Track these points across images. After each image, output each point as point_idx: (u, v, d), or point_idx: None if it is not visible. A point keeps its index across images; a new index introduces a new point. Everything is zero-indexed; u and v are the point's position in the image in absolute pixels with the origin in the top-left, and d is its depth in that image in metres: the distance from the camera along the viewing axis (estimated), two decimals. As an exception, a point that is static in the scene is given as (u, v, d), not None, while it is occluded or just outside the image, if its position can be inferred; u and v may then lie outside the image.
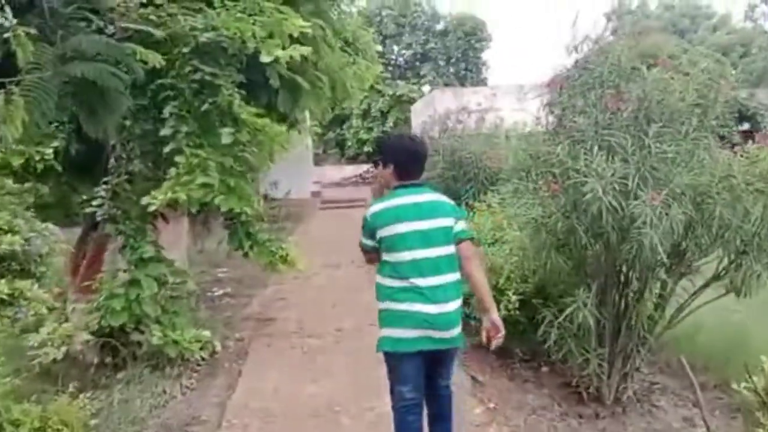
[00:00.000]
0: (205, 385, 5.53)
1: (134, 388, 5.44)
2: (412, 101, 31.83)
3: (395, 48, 38.72)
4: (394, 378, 3.38)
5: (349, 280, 9.42)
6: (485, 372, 5.52)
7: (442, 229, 3.27)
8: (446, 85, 31.74)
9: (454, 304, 3.28)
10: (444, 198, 3.46)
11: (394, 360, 3.33)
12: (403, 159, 3.40)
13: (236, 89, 5.54)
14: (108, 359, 5.96)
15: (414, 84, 35.30)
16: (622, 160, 4.12)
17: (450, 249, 3.28)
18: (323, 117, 20.64)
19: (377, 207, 3.35)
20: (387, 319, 3.31)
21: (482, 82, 34.09)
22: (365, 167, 32.26)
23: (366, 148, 33.18)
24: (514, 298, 5.44)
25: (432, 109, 22.70)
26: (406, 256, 3.23)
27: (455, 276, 3.30)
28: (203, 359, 6.20)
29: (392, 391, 3.41)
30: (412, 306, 3.20)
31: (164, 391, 5.36)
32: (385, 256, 3.32)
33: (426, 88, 32.10)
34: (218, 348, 6.40)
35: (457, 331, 3.32)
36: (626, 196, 4.04)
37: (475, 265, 3.38)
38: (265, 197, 21.53)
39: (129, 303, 5.32)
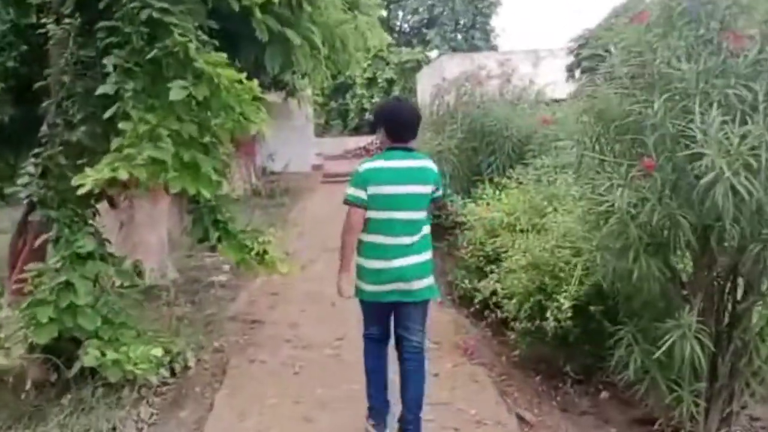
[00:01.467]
0: (167, 419, 4.29)
1: (77, 421, 4.22)
2: (419, 68, 30.31)
3: (400, 14, 36.98)
4: (365, 320, 3.74)
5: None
6: (531, 403, 4.25)
7: (423, 195, 3.50)
8: (454, 50, 30.14)
9: (420, 257, 3.49)
10: (431, 164, 3.60)
11: (364, 306, 3.68)
12: (393, 122, 3.55)
13: (212, 40, 4.27)
14: (54, 377, 4.76)
15: (419, 51, 33.67)
16: (742, 123, 2.83)
17: (423, 213, 3.54)
18: (322, 83, 19.34)
19: (372, 164, 3.50)
20: (360, 272, 3.56)
21: (492, 49, 32.38)
22: (369, 139, 30.82)
23: (369, 116, 31.76)
24: (566, 304, 4.17)
25: (440, 77, 21.25)
26: (385, 215, 3.43)
27: (423, 233, 3.52)
28: (174, 374, 4.99)
29: (364, 328, 3.77)
30: (379, 263, 3.45)
31: (113, 429, 4.13)
32: (367, 213, 3.46)
33: (433, 54, 30.44)
34: (191, 362, 5.17)
35: (423, 283, 3.52)
36: (754, 175, 2.75)
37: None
38: (264, 170, 20.28)
39: (59, 313, 4.05)
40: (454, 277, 6.47)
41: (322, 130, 33.34)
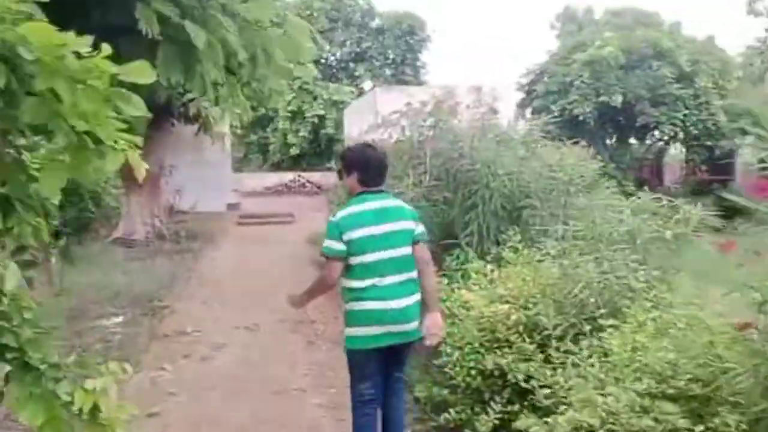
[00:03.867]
0: None
1: None
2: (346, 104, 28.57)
3: (327, 47, 35.24)
4: (355, 376, 3.52)
5: (276, 355, 5.99)
6: None
7: (404, 232, 3.53)
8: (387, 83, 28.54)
9: (413, 299, 3.50)
10: (403, 203, 3.73)
11: (358, 357, 3.49)
12: (366, 168, 3.57)
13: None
14: None
15: (349, 85, 31.98)
16: None
17: (409, 249, 3.52)
18: (244, 114, 17.21)
19: (345, 212, 3.52)
20: (353, 318, 3.48)
21: (421, 85, 31.09)
22: (291, 175, 28.63)
23: (293, 152, 29.61)
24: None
25: (372, 111, 19.51)
26: (372, 257, 3.43)
27: (414, 274, 3.52)
28: None
29: (352, 388, 3.55)
30: (376, 304, 3.41)
31: None
32: (351, 260, 3.44)
33: (367, 85, 28.70)
34: None
35: (416, 324, 3.50)
36: None
37: (429, 267, 3.62)
38: (171, 210, 17.73)
39: None
40: (427, 394, 4.33)
41: (240, 164, 30.91)
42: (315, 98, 30.21)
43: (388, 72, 33.67)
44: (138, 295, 8.59)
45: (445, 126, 6.20)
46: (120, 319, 7.44)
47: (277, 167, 30.62)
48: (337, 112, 30.40)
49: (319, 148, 30.26)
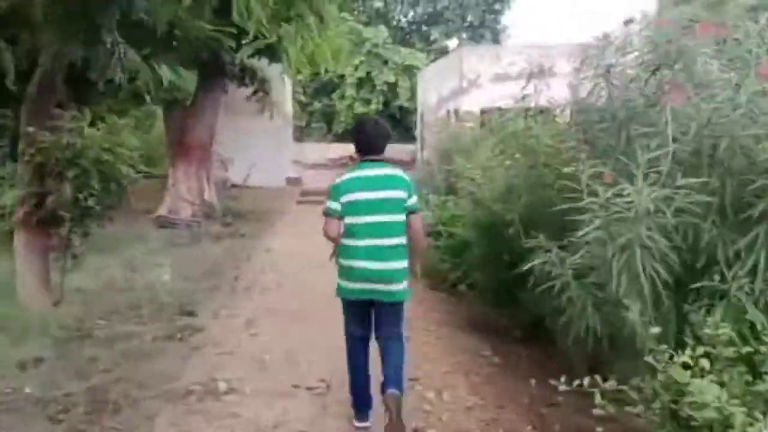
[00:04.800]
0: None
1: None
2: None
3: (398, 7, 32.48)
4: (346, 318, 3.93)
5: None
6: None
7: (396, 200, 3.76)
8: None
9: (398, 264, 3.74)
10: (400, 173, 3.88)
11: (346, 304, 3.90)
12: (361, 138, 3.91)
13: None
14: None
15: (420, 50, 29.19)
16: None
17: (399, 217, 3.76)
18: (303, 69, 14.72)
19: (344, 177, 3.84)
20: (341, 272, 3.82)
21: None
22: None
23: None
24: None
25: (458, 75, 16.78)
26: (364, 219, 3.71)
27: (401, 240, 3.76)
28: None
29: (345, 328, 3.95)
30: (361, 263, 3.70)
31: None
32: (346, 220, 3.74)
33: (452, 43, 25.75)
34: None
35: (398, 287, 3.74)
36: None
37: (419, 235, 3.91)
38: (224, 183, 15.57)
39: None
40: None
41: (301, 134, 28.68)
42: (385, 63, 27.61)
43: (465, 36, 30.67)
44: (162, 306, 6.35)
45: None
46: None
47: (341, 138, 28.28)
48: (410, 78, 27.74)
49: (391, 119, 27.72)
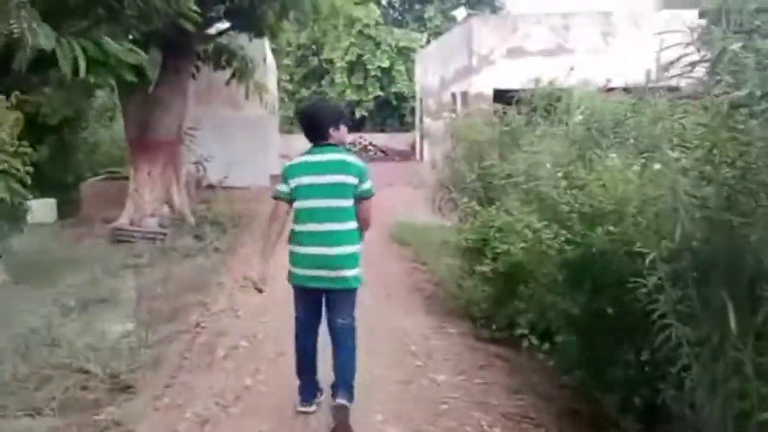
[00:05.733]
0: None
1: None
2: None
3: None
4: (295, 305, 3.91)
5: None
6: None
7: (344, 185, 3.67)
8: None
9: (343, 249, 3.66)
10: (351, 158, 3.80)
11: (296, 291, 3.86)
12: (305, 125, 3.86)
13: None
14: None
15: (414, 30, 27.04)
16: None
17: (347, 202, 3.68)
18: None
19: (292, 161, 3.86)
20: (291, 258, 3.78)
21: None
22: (351, 137, 24.10)
23: (357, 113, 24.94)
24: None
25: (467, 52, 14.66)
26: (309, 203, 3.67)
27: (349, 225, 3.69)
28: None
29: (295, 312, 3.92)
30: (306, 249, 3.67)
31: None
32: (294, 204, 3.72)
33: (460, 13, 23.51)
34: None
35: (346, 273, 3.67)
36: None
37: (369, 218, 3.83)
38: (198, 183, 13.48)
39: None
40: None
41: (291, 125, 26.55)
42: (378, 45, 25.46)
43: (464, 13, 28.46)
44: (84, 379, 4.30)
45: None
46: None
47: (334, 128, 26.20)
48: (406, 62, 25.61)
49: (387, 105, 25.65)
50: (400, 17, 29.65)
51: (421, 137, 21.33)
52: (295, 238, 3.71)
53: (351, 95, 25.21)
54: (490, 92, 13.47)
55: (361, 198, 3.71)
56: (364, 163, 3.81)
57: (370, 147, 23.59)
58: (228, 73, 11.96)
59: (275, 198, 3.77)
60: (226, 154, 13.71)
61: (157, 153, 10.78)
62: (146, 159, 10.76)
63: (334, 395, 3.68)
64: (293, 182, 3.68)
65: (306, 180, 3.66)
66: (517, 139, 6.03)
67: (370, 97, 25.47)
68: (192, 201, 11.77)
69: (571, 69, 6.62)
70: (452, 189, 6.19)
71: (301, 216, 3.67)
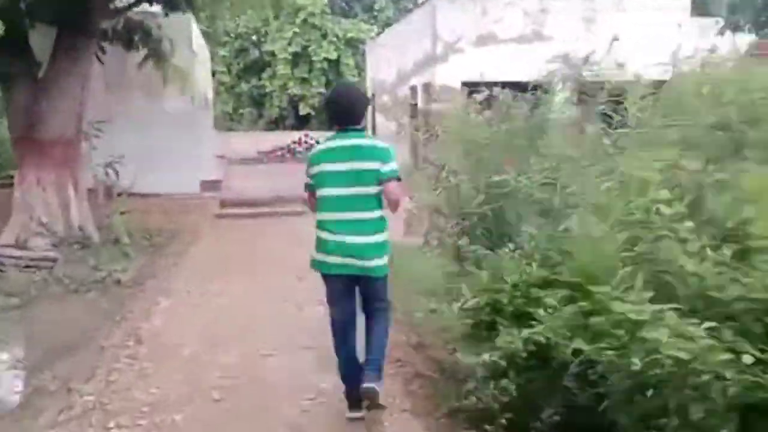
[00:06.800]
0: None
1: None
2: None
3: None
4: (327, 298, 3.72)
5: None
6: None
7: (365, 171, 3.52)
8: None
9: (369, 238, 3.54)
10: (375, 142, 3.67)
11: (323, 279, 3.68)
12: (329, 108, 3.71)
13: None
14: None
15: (364, 22, 25.11)
16: None
17: (369, 189, 3.53)
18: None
19: (316, 148, 3.75)
20: (316, 244, 3.63)
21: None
22: (297, 135, 21.85)
23: (301, 109, 22.83)
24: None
25: (431, 37, 12.77)
26: (333, 191, 3.55)
27: (372, 214, 3.56)
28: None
29: (327, 305, 3.75)
30: (331, 236, 3.54)
31: None
32: (318, 192, 3.62)
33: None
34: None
35: (373, 262, 3.54)
36: None
37: (394, 200, 3.59)
38: (108, 191, 11.14)
39: None
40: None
41: (231, 122, 24.24)
42: (324, 36, 23.39)
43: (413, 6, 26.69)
44: None
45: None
46: None
47: (275, 125, 23.96)
48: (355, 55, 23.63)
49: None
50: (347, 7, 27.63)
51: (374, 136, 19.47)
52: (318, 225, 3.63)
53: (294, 89, 23.08)
54: (457, 84, 11.64)
55: (385, 180, 3.53)
56: (389, 145, 3.66)
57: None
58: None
59: (306, 190, 3.73)
60: (144, 155, 11.45)
61: (49, 154, 8.50)
62: (34, 162, 8.48)
63: (362, 377, 3.53)
64: (315, 169, 3.62)
65: (325, 167, 3.58)
66: (537, 139, 4.16)
67: (315, 91, 23.40)
68: (98, 214, 9.49)
69: (615, 39, 4.79)
70: (446, 216, 4.24)
71: (322, 204, 3.61)
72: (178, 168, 11.67)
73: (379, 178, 3.49)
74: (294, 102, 22.90)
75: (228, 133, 20.38)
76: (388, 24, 23.70)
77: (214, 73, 23.39)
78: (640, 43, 12.06)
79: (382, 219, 3.59)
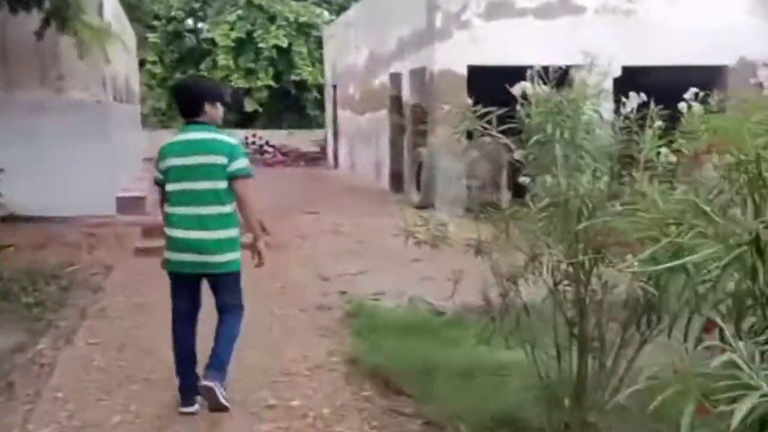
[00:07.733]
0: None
1: None
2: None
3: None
4: (171, 294, 3.73)
5: None
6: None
7: (209, 166, 3.53)
8: None
9: (216, 234, 3.54)
10: (222, 137, 3.64)
11: (171, 278, 3.69)
12: (177, 101, 3.79)
13: None
14: None
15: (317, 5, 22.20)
16: None
17: (217, 184, 3.53)
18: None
19: (164, 142, 3.73)
20: (166, 242, 3.64)
21: None
22: (242, 134, 18.72)
23: (246, 105, 19.78)
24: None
25: (425, 9, 9.90)
26: (178, 186, 3.56)
27: (221, 208, 3.56)
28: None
29: (171, 301, 3.74)
30: (176, 232, 3.54)
31: None
32: (166, 187, 3.60)
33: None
34: None
35: (220, 258, 3.56)
36: None
37: (245, 203, 3.61)
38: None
39: None
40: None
41: (163, 119, 21.08)
42: (272, 20, 20.31)
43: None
44: None
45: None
46: None
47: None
48: (307, 42, 20.67)
49: (285, 97, 20.63)
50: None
51: (335, 136, 16.55)
52: (167, 221, 3.61)
53: (238, 81, 19.97)
54: (463, 71, 8.87)
55: (234, 178, 3.53)
56: (237, 141, 3.70)
57: (267, 148, 18.52)
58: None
59: (156, 184, 3.73)
60: (37, 165, 8.33)
61: None
62: None
63: (204, 375, 3.54)
64: (163, 164, 3.60)
65: (173, 162, 3.57)
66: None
67: (262, 84, 20.34)
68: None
69: None
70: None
71: (169, 199, 3.59)
72: (84, 181, 8.48)
73: (229, 175, 3.52)
74: (239, 94, 19.81)
75: (160, 132, 17.24)
76: (343, 8, 20.80)
77: (143, 63, 20.10)
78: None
79: (231, 214, 3.61)
